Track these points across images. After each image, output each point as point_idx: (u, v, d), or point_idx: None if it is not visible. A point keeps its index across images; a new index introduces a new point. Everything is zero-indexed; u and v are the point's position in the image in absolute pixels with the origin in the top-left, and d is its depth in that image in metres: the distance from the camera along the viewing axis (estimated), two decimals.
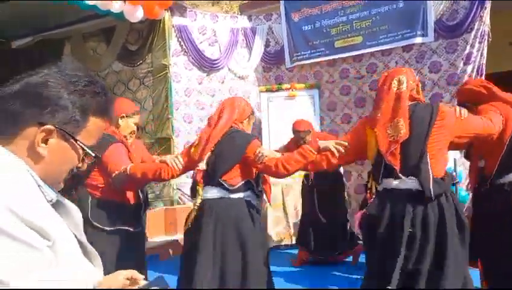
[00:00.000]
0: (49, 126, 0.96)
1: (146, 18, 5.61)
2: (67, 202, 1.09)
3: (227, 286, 2.62)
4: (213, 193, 2.73)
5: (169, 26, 5.93)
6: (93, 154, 1.05)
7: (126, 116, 3.01)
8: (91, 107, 1.02)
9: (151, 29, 5.96)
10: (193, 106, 6.26)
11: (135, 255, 2.81)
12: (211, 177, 2.73)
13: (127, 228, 2.78)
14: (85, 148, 1.03)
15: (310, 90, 6.45)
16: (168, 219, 5.52)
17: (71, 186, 2.67)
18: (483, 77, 5.15)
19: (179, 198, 5.98)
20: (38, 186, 0.96)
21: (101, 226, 2.67)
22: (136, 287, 1.11)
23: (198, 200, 2.73)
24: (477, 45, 5.27)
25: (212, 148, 2.72)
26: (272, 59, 6.83)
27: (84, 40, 6.65)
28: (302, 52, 6.53)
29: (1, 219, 0.82)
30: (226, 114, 2.79)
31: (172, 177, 2.79)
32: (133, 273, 1.13)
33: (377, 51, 5.97)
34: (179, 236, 4.95)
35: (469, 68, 5.31)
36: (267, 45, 6.82)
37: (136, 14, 5.31)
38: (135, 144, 4.60)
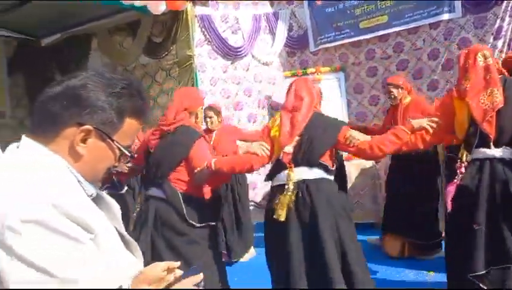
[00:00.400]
0: (87, 126, 1.01)
1: (169, 10, 5.66)
2: (106, 196, 1.15)
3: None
4: (311, 173, 2.68)
5: (192, 17, 5.96)
6: (129, 154, 1.10)
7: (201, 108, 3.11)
8: (127, 109, 1.07)
9: (174, 20, 6.00)
10: (219, 94, 6.31)
11: (214, 248, 2.87)
12: (308, 159, 2.67)
13: (211, 223, 2.82)
14: (121, 148, 1.08)
15: (335, 73, 6.40)
16: None
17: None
18: None
19: None
20: (78, 182, 1.02)
21: (193, 222, 2.71)
22: (173, 278, 1.14)
23: (291, 184, 2.64)
24: (507, 18, 5.09)
25: (300, 133, 2.69)
26: (296, 44, 6.78)
27: (110, 35, 6.76)
28: (326, 35, 6.45)
29: (46, 214, 0.87)
30: (307, 97, 2.75)
31: (263, 166, 2.78)
32: (169, 264, 1.17)
33: (403, 30, 5.85)
34: None
35: (499, 43, 5.15)
36: (290, 30, 6.77)
37: (160, 7, 5.36)
38: (221, 129, 4.64)
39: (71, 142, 1.01)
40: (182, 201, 2.71)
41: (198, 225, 2.72)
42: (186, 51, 6.01)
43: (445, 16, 5.48)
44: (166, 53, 6.26)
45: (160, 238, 2.67)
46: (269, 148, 2.71)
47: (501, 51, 5.12)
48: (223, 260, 4.48)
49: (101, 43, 6.82)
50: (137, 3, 5.23)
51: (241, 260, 4.72)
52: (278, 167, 2.73)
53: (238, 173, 2.95)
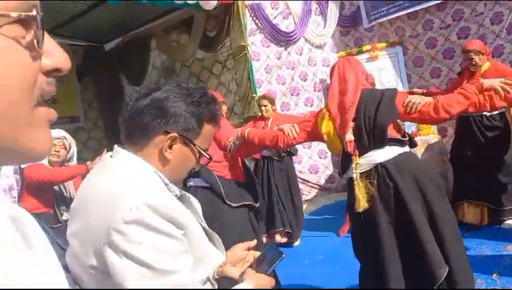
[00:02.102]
0: (173, 134, 1.14)
1: (220, 3, 5.78)
2: (188, 195, 1.29)
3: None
4: (384, 154, 2.45)
5: (243, 7, 6.04)
6: (208, 157, 1.22)
7: None
8: (205, 116, 1.19)
9: (226, 13, 6.12)
10: (274, 81, 6.38)
11: (255, 227, 3.05)
12: (374, 141, 2.44)
13: (249, 203, 3.00)
14: (202, 151, 1.21)
15: (392, 48, 6.24)
16: None
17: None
18: None
19: None
20: (165, 184, 1.16)
21: (231, 203, 2.90)
22: (253, 259, 1.27)
23: (357, 174, 2.45)
24: None
25: (354, 116, 2.48)
26: (349, 22, 6.67)
27: (167, 34, 7.03)
28: (380, 9, 6.29)
29: (144, 214, 1.00)
30: (352, 78, 2.55)
31: (288, 145, 2.75)
32: (248, 243, 1.30)
33: None
34: None
35: None
36: (341, 8, 6.67)
37: (211, 2, 5.50)
38: (276, 116, 4.88)
39: (160, 148, 1.14)
40: (219, 181, 2.90)
41: (235, 204, 2.89)
42: (240, 41, 6.11)
43: None
44: (221, 46, 6.40)
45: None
46: (298, 131, 2.65)
47: None
48: (284, 240, 4.67)
49: (159, 42, 7.11)
50: (190, 1, 5.41)
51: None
52: (346, 158, 2.54)
53: (269, 147, 2.91)
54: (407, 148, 2.51)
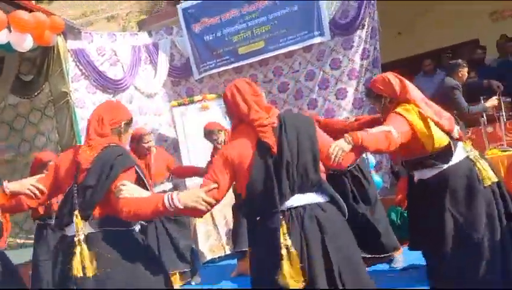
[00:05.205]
0: None
1: (38, 45, 5.26)
2: None
3: None
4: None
5: (64, 51, 5.59)
6: None
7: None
8: None
9: (45, 56, 5.59)
10: None
11: None
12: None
13: None
14: None
15: (222, 99, 6.44)
16: None
17: None
18: (379, 69, 5.51)
19: None
20: None
21: None
22: None
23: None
24: (370, 40, 5.61)
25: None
26: (180, 73, 6.75)
27: None
28: (208, 62, 6.52)
29: None
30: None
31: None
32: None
33: (280, 54, 6.13)
34: None
35: (366, 62, 5.64)
36: (172, 59, 6.72)
37: (25, 44, 4.94)
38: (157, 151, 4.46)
39: None
40: None
41: None
42: (61, 87, 5.62)
43: (317, 40, 5.85)
44: (38, 91, 5.80)
45: None
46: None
47: (367, 69, 5.62)
48: None
49: None
50: None
51: None
52: None
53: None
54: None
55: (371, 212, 3.66)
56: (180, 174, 4.79)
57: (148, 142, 4.23)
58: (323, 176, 2.09)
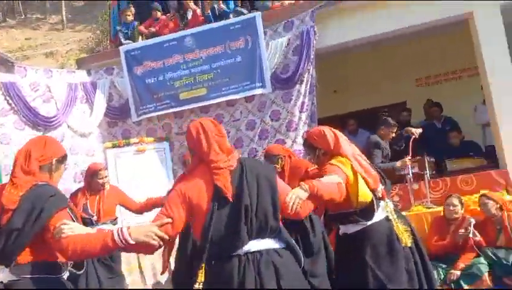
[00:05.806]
0: None
1: None
2: None
3: None
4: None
5: None
6: None
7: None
8: None
9: None
10: None
11: None
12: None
13: None
14: None
15: (160, 143, 6.32)
16: None
17: None
18: (316, 123, 5.71)
19: None
20: None
21: None
22: None
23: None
24: (308, 94, 5.84)
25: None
26: (117, 114, 6.56)
27: None
28: (148, 106, 6.42)
29: None
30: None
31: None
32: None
33: (222, 102, 6.19)
34: None
35: (304, 116, 5.83)
36: (110, 100, 6.54)
37: None
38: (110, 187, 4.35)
39: None
40: None
41: None
42: None
43: (258, 91, 5.99)
44: None
45: None
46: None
47: (305, 123, 5.81)
48: None
49: None
50: None
51: None
52: None
53: None
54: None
55: (312, 264, 3.65)
56: (143, 208, 4.35)
57: (102, 177, 4.22)
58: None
